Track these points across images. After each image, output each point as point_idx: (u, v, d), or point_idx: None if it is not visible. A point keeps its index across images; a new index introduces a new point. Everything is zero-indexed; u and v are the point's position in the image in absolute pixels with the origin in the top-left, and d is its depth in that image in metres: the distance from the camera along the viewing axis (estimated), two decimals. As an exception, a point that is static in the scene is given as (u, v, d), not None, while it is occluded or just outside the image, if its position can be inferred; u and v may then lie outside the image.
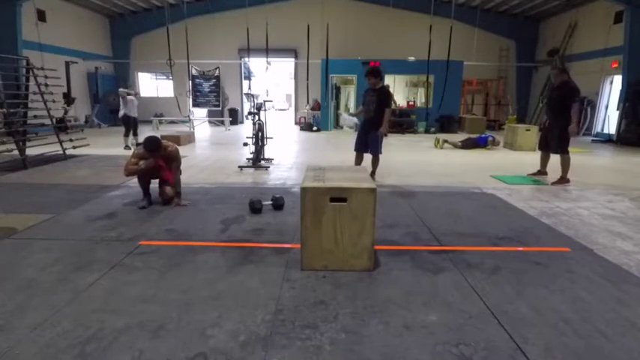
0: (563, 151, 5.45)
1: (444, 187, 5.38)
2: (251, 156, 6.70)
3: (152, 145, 4.05)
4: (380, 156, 5.58)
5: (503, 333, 2.00)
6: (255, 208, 4.00)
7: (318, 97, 14.78)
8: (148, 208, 4.11)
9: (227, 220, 3.76)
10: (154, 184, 4.41)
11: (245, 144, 7.04)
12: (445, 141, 9.78)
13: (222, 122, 15.00)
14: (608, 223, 3.86)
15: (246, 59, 15.58)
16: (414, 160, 7.81)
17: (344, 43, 14.59)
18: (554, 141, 5.49)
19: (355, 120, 5.42)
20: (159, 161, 4.19)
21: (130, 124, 8.61)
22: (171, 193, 4.29)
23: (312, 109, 15.01)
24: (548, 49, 15.21)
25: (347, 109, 15.79)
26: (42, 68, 7.08)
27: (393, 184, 5.47)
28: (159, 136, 4.25)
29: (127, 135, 8.63)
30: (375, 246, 2.74)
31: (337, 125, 15.41)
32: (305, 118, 15.47)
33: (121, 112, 8.57)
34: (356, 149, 5.64)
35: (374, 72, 5.39)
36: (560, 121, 5.37)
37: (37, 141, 7.06)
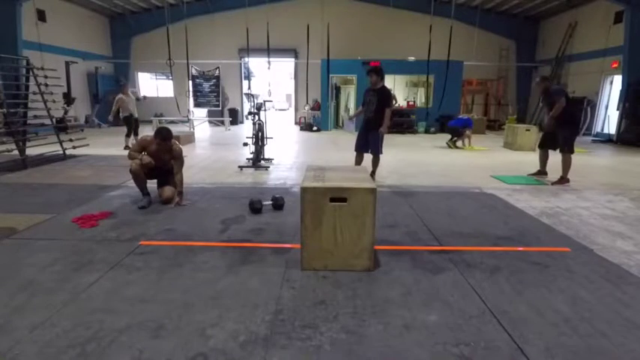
0: (568, 149, 5.46)
1: (444, 187, 5.38)
2: (251, 156, 6.70)
3: (164, 133, 4.14)
4: (380, 156, 5.58)
5: (503, 333, 2.00)
6: (255, 208, 4.00)
7: (318, 97, 14.78)
8: (147, 207, 4.12)
9: (227, 220, 3.76)
10: (152, 184, 4.42)
11: (245, 144, 7.04)
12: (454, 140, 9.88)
13: (222, 122, 15.00)
14: (608, 223, 3.86)
15: (246, 59, 15.58)
16: (414, 160, 7.81)
17: (344, 43, 14.58)
18: (563, 140, 5.48)
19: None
20: (164, 156, 4.24)
21: (132, 125, 8.63)
22: (170, 193, 4.29)
23: (312, 109, 15.01)
24: (548, 49, 15.22)
25: (347, 109, 15.80)
26: (42, 68, 7.07)
27: (393, 184, 5.47)
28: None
29: (128, 135, 8.65)
30: (375, 246, 2.74)
31: (337, 125, 15.41)
32: (305, 118, 15.47)
33: (123, 114, 8.58)
34: (356, 149, 5.63)
35: (376, 70, 5.39)
36: (566, 122, 5.42)
37: (37, 141, 7.06)
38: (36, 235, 3.33)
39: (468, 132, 9.59)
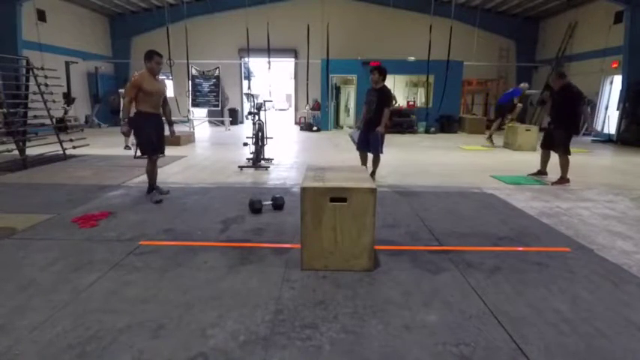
0: (564, 151, 5.46)
1: (444, 187, 5.38)
2: (251, 156, 6.70)
3: (153, 51, 4.72)
4: (381, 156, 5.58)
5: (503, 333, 2.00)
6: (255, 208, 4.00)
7: (318, 97, 14.78)
8: (162, 202, 4.26)
9: (227, 220, 3.76)
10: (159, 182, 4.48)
11: (245, 144, 7.04)
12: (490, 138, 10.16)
13: (222, 122, 14.99)
14: (608, 223, 3.86)
15: (246, 59, 15.58)
16: (415, 160, 7.81)
17: (344, 43, 14.58)
18: (558, 141, 5.48)
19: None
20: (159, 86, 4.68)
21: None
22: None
23: (312, 109, 15.01)
24: (548, 49, 15.22)
25: (347, 109, 15.79)
26: (42, 68, 7.07)
27: (393, 184, 5.47)
28: None
29: (128, 135, 8.63)
30: (375, 246, 2.74)
31: (337, 125, 15.42)
32: (305, 118, 15.47)
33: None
34: (358, 148, 5.65)
35: (379, 69, 5.40)
36: (564, 124, 5.41)
37: (37, 141, 7.06)
38: (36, 235, 3.33)
39: (515, 100, 9.81)
